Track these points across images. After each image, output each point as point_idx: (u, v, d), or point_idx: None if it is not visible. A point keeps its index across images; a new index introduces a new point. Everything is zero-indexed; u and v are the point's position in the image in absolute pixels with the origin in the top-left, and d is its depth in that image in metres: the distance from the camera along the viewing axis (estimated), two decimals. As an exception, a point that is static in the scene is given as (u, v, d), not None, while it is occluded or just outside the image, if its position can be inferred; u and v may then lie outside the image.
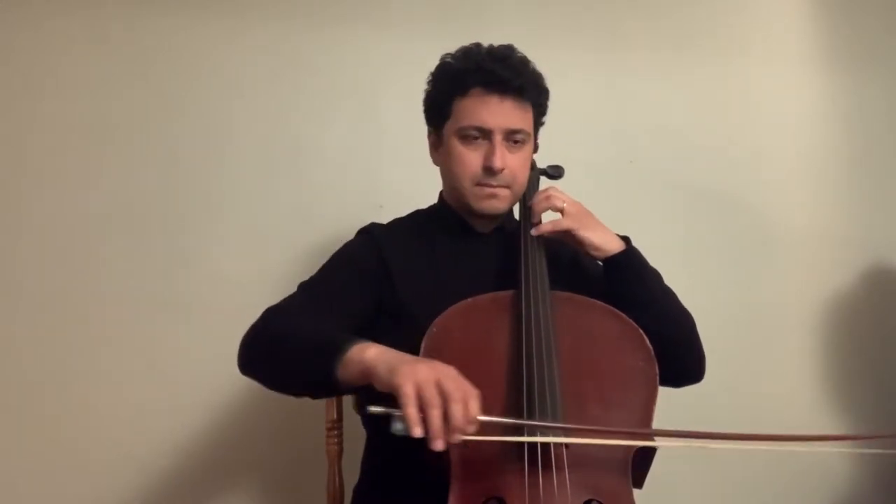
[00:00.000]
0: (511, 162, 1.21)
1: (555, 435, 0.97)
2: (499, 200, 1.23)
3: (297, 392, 1.12)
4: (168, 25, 1.68)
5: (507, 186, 1.23)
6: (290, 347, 1.05)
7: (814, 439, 1.00)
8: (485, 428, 0.91)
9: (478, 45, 1.26)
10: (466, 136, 1.21)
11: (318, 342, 1.03)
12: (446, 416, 0.86)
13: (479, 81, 1.20)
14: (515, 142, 1.22)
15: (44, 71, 1.62)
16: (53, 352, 1.59)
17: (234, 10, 1.73)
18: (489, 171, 1.20)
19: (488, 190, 1.22)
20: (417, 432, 0.86)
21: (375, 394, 1.27)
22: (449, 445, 0.96)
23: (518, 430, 0.97)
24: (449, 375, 0.89)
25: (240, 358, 1.12)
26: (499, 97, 1.20)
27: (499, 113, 1.20)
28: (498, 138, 1.20)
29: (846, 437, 0.98)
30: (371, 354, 0.95)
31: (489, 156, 1.20)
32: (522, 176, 1.25)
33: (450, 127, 1.24)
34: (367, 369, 0.94)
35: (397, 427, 0.87)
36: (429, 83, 1.29)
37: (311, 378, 1.02)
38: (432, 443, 0.86)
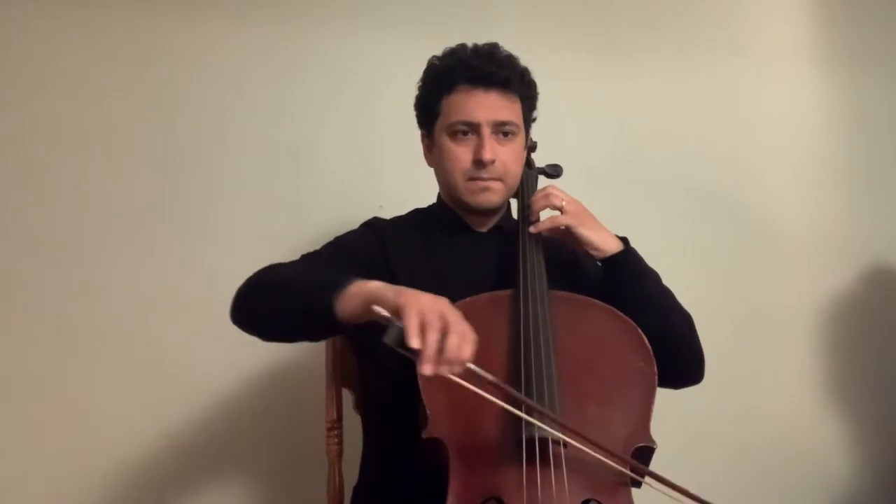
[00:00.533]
0: (502, 154, 1.21)
1: (551, 424, 0.96)
2: (492, 193, 1.23)
3: (291, 333, 1.10)
4: (167, 24, 1.69)
5: (500, 179, 1.23)
6: (288, 287, 1.06)
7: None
8: (483, 387, 0.91)
9: (463, 45, 1.27)
10: (455, 133, 1.22)
11: (317, 280, 1.03)
12: (441, 348, 0.86)
13: (463, 77, 1.21)
14: (505, 134, 1.23)
15: (42, 70, 1.62)
16: (49, 350, 1.59)
17: (234, 9, 1.73)
18: (479, 163, 1.20)
19: (481, 183, 1.22)
20: (415, 343, 0.85)
21: (375, 392, 1.28)
22: (447, 441, 0.97)
23: (518, 407, 0.96)
24: (455, 311, 0.90)
25: (234, 305, 1.11)
26: (484, 90, 1.21)
27: (485, 106, 1.21)
28: (486, 131, 1.20)
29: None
30: (374, 284, 0.96)
31: (478, 149, 1.20)
32: (515, 168, 1.25)
33: (439, 126, 1.24)
34: (369, 298, 0.93)
35: (393, 335, 0.86)
36: (418, 86, 1.30)
37: (308, 313, 1.00)
38: (423, 365, 0.85)
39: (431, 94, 1.26)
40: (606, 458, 0.96)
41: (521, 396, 0.96)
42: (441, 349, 0.86)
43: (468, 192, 1.23)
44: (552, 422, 0.96)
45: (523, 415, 0.95)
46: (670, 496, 0.94)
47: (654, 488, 0.95)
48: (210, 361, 1.64)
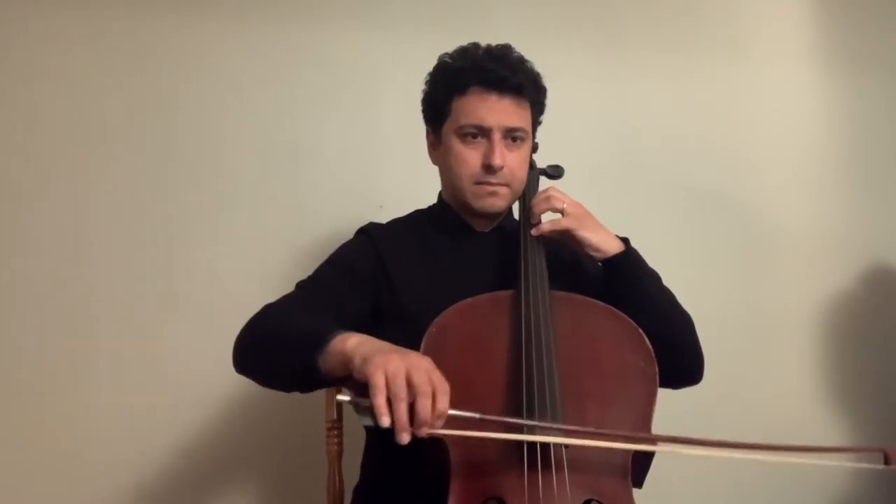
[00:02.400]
0: (510, 160, 1.21)
1: (550, 434, 0.96)
2: (498, 198, 1.23)
3: (286, 387, 1.13)
4: (167, 24, 1.68)
5: (507, 184, 1.23)
6: (277, 341, 1.06)
7: (803, 450, 1.00)
8: (484, 425, 0.91)
9: (475, 44, 1.26)
10: (465, 135, 1.22)
11: (302, 334, 1.03)
12: (413, 411, 0.87)
13: (477, 80, 1.21)
14: (514, 139, 1.23)
15: (42, 70, 1.62)
16: (51, 351, 1.59)
17: (234, 9, 1.73)
18: (489, 169, 1.20)
19: (488, 188, 1.22)
20: (385, 422, 0.85)
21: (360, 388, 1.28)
22: (448, 443, 0.97)
23: (515, 428, 0.97)
24: (420, 367, 0.89)
25: (234, 356, 1.12)
26: (497, 95, 1.20)
27: (497, 111, 1.20)
28: (497, 136, 1.20)
29: (834, 448, 0.98)
30: (351, 344, 0.95)
31: (488, 154, 1.20)
32: (521, 174, 1.25)
33: (448, 126, 1.24)
34: (346, 359, 0.94)
35: (364, 419, 0.88)
36: (427, 83, 1.29)
37: (296, 370, 1.01)
38: (398, 435, 0.86)
39: (442, 93, 1.25)
40: (613, 443, 0.96)
41: (514, 420, 0.96)
42: (412, 414, 0.87)
43: (474, 196, 1.23)
44: (553, 432, 0.96)
45: (524, 437, 0.95)
46: (686, 453, 0.94)
47: (667, 451, 0.95)
48: (209, 361, 1.64)
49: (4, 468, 1.55)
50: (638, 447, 1.00)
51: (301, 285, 1.21)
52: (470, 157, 1.22)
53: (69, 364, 1.60)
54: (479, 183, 1.22)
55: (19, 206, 1.60)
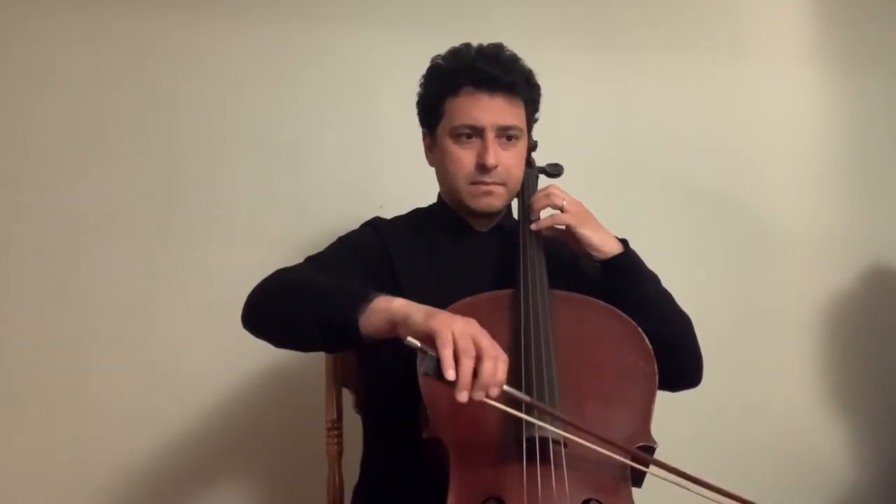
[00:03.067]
0: (505, 159, 1.21)
1: (564, 427, 0.96)
2: (494, 197, 1.23)
3: (310, 344, 1.09)
4: (167, 24, 1.69)
5: (503, 183, 1.23)
6: (309, 294, 1.04)
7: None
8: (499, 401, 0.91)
9: (467, 45, 1.26)
10: (459, 136, 1.22)
11: (339, 290, 1.02)
12: (475, 372, 0.86)
13: (469, 80, 1.21)
14: (508, 138, 1.23)
15: (42, 69, 1.62)
16: (50, 351, 1.59)
17: (234, 9, 1.73)
18: (483, 168, 1.20)
19: (483, 188, 1.22)
20: (451, 374, 0.85)
21: (375, 392, 1.27)
22: (448, 441, 0.97)
23: (530, 412, 0.96)
24: (485, 333, 0.90)
25: (248, 310, 1.10)
26: (489, 94, 1.20)
27: (490, 110, 1.20)
28: (490, 136, 1.20)
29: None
30: (399, 303, 0.95)
31: (482, 153, 1.20)
32: (517, 172, 1.25)
33: (442, 127, 1.24)
34: (396, 317, 0.93)
35: (429, 366, 0.87)
36: (421, 85, 1.29)
37: (331, 327, 0.99)
38: (458, 392, 0.86)
39: (435, 94, 1.25)
40: (609, 450, 0.96)
41: (525, 397, 0.95)
42: (475, 375, 0.86)
43: (470, 196, 1.23)
44: (555, 419, 0.96)
45: (524, 416, 0.94)
46: (674, 483, 0.94)
47: (659, 476, 0.95)
48: (210, 361, 1.64)
49: (5, 468, 1.55)
50: (631, 463, 0.99)
51: (311, 259, 1.21)
52: (464, 157, 1.22)
53: (69, 364, 1.60)
54: (474, 183, 1.22)
55: (19, 206, 1.60)
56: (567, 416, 0.98)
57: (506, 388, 0.89)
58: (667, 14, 2.02)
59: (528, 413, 0.95)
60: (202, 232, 1.69)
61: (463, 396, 0.86)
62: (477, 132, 1.21)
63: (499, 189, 1.23)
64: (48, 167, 1.61)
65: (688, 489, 0.93)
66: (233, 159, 1.71)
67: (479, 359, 0.87)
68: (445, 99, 1.23)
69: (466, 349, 0.87)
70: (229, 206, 1.70)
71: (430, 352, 0.87)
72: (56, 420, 1.58)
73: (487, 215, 1.28)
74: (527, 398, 0.93)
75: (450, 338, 0.87)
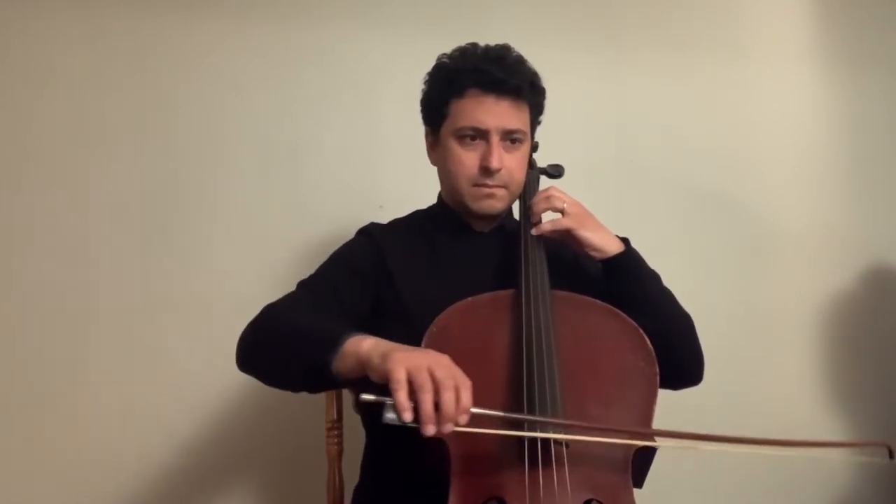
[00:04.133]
0: (508, 162, 1.21)
1: (554, 430, 0.96)
2: (496, 200, 1.23)
3: (294, 387, 1.12)
4: (167, 24, 1.68)
5: (505, 186, 1.23)
6: (287, 341, 1.05)
7: (806, 444, 1.00)
8: (484, 422, 0.91)
9: (474, 45, 1.26)
10: (463, 137, 1.21)
11: (314, 335, 1.03)
12: (437, 405, 0.86)
13: (475, 82, 1.20)
14: (512, 141, 1.22)
15: (42, 69, 1.62)
16: (51, 351, 1.58)
17: (234, 9, 1.73)
18: (486, 171, 1.20)
19: (486, 190, 1.22)
20: (407, 417, 0.86)
21: (372, 390, 1.27)
22: (449, 442, 0.97)
23: (518, 425, 0.97)
24: (441, 364, 0.90)
25: (238, 354, 1.12)
26: (495, 97, 1.20)
27: (495, 113, 1.20)
28: (495, 139, 1.20)
29: (838, 443, 0.99)
30: (366, 346, 0.96)
31: (486, 156, 1.20)
32: (519, 175, 1.25)
33: (447, 128, 1.24)
34: (362, 360, 0.94)
35: (389, 416, 0.87)
36: (425, 83, 1.29)
37: (309, 371, 1.01)
38: (423, 428, 0.86)
39: (440, 94, 1.24)
40: (615, 437, 0.96)
41: (521, 416, 0.96)
42: (437, 408, 0.87)
43: (472, 198, 1.23)
44: (555, 426, 0.96)
45: (527, 434, 0.95)
46: (686, 447, 0.94)
47: (668, 446, 0.95)
48: (210, 361, 1.64)
49: (6, 467, 1.55)
50: (638, 442, 1.00)
51: (303, 284, 1.21)
52: (467, 159, 1.21)
53: (69, 364, 1.60)
54: (476, 185, 1.22)
55: (19, 206, 1.60)
56: (568, 416, 0.99)
57: (475, 410, 0.89)
58: (667, 14, 2.02)
59: (530, 429, 0.95)
60: (202, 232, 1.68)
61: (429, 430, 0.86)
62: (481, 134, 1.21)
63: (501, 192, 1.23)
64: (48, 167, 1.61)
65: (697, 449, 0.92)
66: (233, 159, 1.71)
67: (437, 391, 0.87)
68: (451, 99, 1.22)
69: (422, 384, 0.87)
70: (229, 205, 1.70)
71: (388, 400, 0.87)
72: (56, 420, 1.58)
73: (488, 217, 1.28)
74: (501, 414, 0.92)
75: (403, 378, 0.87)
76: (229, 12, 1.72)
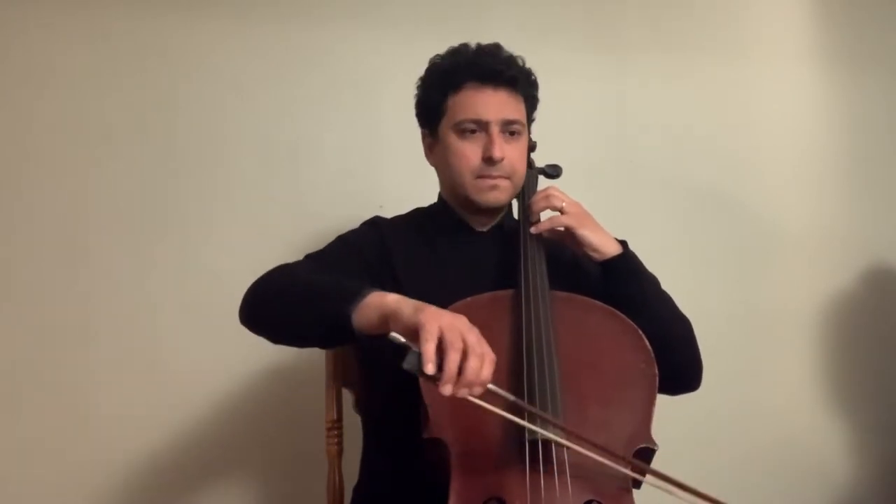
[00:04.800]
0: (509, 152, 1.21)
1: (555, 431, 0.96)
2: (500, 191, 1.23)
3: (305, 340, 1.10)
4: (167, 24, 1.68)
5: (507, 177, 1.23)
6: (303, 291, 1.05)
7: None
8: (491, 402, 0.90)
9: (465, 44, 1.27)
10: (463, 131, 1.22)
11: (333, 286, 1.02)
12: (461, 368, 0.86)
13: (471, 75, 1.21)
14: (512, 133, 1.23)
15: (42, 69, 1.62)
16: (51, 351, 1.58)
17: (234, 9, 1.72)
18: (489, 161, 1.20)
19: (489, 182, 1.22)
20: (430, 369, 0.84)
21: (375, 392, 1.27)
22: (449, 441, 0.97)
23: (520, 414, 0.96)
24: (474, 331, 0.90)
25: (244, 307, 1.11)
26: (493, 88, 1.21)
27: (494, 104, 1.21)
28: (495, 129, 1.20)
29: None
30: (392, 298, 0.95)
31: (488, 147, 1.20)
32: (521, 167, 1.25)
33: (445, 124, 1.24)
34: (387, 312, 0.94)
35: (411, 361, 0.85)
36: (419, 86, 1.29)
37: (325, 322, 1.00)
38: (442, 385, 0.85)
39: (436, 92, 1.25)
40: (609, 460, 0.95)
41: (529, 407, 0.95)
42: (461, 370, 0.86)
43: (476, 191, 1.23)
44: (555, 427, 0.96)
45: (526, 424, 0.94)
46: (672, 494, 0.94)
47: (657, 487, 0.95)
48: (210, 361, 1.64)
49: (6, 467, 1.55)
50: (629, 473, 0.99)
51: (310, 256, 1.22)
52: (470, 151, 1.22)
53: (68, 364, 1.59)
54: (480, 177, 1.22)
55: (19, 206, 1.60)
56: (568, 419, 0.98)
57: (491, 387, 0.89)
58: (667, 14, 2.02)
59: (531, 420, 0.94)
60: (202, 232, 1.68)
61: (447, 389, 0.85)
62: (481, 126, 1.21)
63: (504, 183, 1.23)
64: (48, 167, 1.61)
65: (681, 498, 0.93)
66: (233, 159, 1.71)
67: (465, 355, 0.86)
68: (448, 95, 1.23)
69: (453, 342, 0.86)
70: (229, 205, 1.70)
71: (414, 347, 0.86)
72: (56, 420, 1.58)
73: (488, 214, 1.28)
74: (512, 397, 0.92)
75: (435, 331, 0.86)
76: (229, 12, 1.72)
